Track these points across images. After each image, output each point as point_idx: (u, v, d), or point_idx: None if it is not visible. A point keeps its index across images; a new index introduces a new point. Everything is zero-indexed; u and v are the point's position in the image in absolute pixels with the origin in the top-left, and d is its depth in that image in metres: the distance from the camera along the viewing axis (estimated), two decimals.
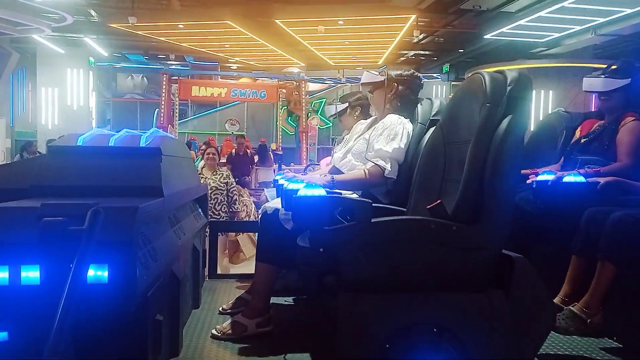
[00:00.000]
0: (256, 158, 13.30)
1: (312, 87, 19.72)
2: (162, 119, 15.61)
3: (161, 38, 13.01)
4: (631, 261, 2.22)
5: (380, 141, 2.66)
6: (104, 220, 1.46)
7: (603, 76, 2.84)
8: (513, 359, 1.83)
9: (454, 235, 1.84)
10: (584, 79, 2.95)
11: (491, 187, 1.84)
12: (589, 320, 2.28)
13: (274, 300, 2.79)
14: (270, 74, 17.38)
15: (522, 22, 9.92)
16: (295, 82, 16.94)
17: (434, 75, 17.43)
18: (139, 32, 12.20)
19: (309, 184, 2.04)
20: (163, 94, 15.71)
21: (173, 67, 17.15)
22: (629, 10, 8.75)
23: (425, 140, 2.49)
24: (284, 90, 17.32)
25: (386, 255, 1.82)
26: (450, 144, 2.17)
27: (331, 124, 18.66)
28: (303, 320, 2.81)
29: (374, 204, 2.36)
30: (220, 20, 11.04)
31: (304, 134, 17.00)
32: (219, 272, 3.86)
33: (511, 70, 2.03)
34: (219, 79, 18.11)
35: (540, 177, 2.57)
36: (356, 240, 1.81)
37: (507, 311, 1.81)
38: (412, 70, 2.91)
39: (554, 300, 2.40)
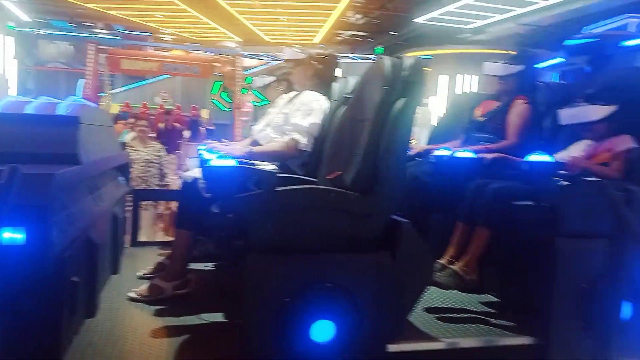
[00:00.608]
0: (187, 133, 12.99)
1: (249, 63, 19.43)
2: (87, 89, 14.82)
3: (88, 5, 12.41)
4: (504, 227, 2.55)
5: (298, 116, 2.84)
6: (21, 184, 1.55)
7: (501, 62, 3.15)
8: (395, 309, 2.09)
9: (350, 203, 2.06)
10: (485, 63, 3.24)
11: (383, 162, 2.07)
12: (467, 278, 2.61)
13: (194, 266, 2.92)
14: (205, 47, 16.97)
15: (450, 7, 10.35)
16: (230, 57, 16.61)
17: (369, 56, 17.71)
18: None
19: (221, 154, 2.18)
20: (90, 64, 14.89)
21: (102, 36, 16.32)
22: (544, 3, 9.35)
23: (338, 116, 2.69)
24: (218, 65, 16.90)
25: (289, 221, 2.01)
26: (356, 121, 2.37)
27: (268, 101, 18.49)
28: (220, 283, 2.96)
29: (289, 175, 2.55)
30: None
31: (237, 110, 16.76)
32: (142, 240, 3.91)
33: (409, 57, 2.25)
34: (150, 50, 17.41)
35: (437, 152, 2.85)
36: (262, 207, 1.98)
37: (393, 268, 2.07)
38: (331, 50, 3.12)
39: (442, 262, 2.71)
